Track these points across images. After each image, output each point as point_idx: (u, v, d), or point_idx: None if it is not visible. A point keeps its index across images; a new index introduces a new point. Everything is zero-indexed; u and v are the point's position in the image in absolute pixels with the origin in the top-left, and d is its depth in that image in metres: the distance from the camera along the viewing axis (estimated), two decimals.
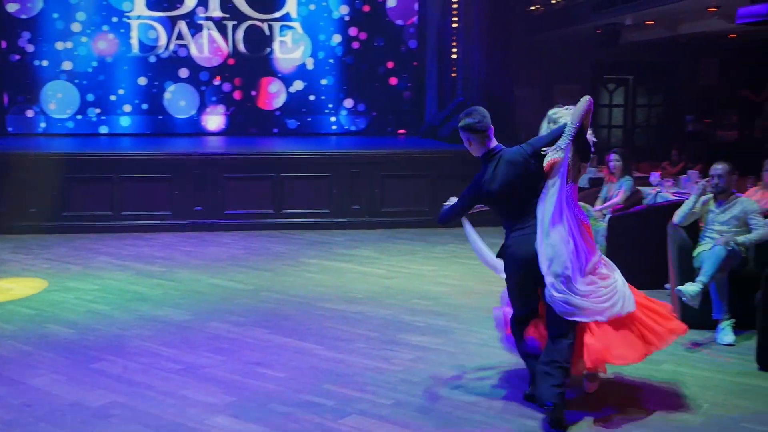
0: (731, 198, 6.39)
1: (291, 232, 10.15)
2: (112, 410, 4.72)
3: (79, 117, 13.49)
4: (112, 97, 13.54)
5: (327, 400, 4.87)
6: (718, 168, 6.38)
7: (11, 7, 13.10)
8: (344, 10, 13.87)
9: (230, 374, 5.30)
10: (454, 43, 13.26)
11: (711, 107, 13.93)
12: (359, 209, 10.49)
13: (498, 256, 4.74)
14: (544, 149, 4.36)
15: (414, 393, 4.95)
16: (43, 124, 13.36)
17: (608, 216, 7.82)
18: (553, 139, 4.39)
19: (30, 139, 12.69)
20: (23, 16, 13.16)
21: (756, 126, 12.55)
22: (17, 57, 13.22)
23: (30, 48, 13.24)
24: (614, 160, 8.56)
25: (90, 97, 13.47)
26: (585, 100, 4.38)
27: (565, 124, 4.36)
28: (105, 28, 13.35)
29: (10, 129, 13.16)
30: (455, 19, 13.24)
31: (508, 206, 4.58)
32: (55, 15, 13.25)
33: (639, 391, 5.07)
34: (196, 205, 10.26)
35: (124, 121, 13.65)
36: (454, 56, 13.33)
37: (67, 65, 13.32)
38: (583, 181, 10.00)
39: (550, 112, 4.79)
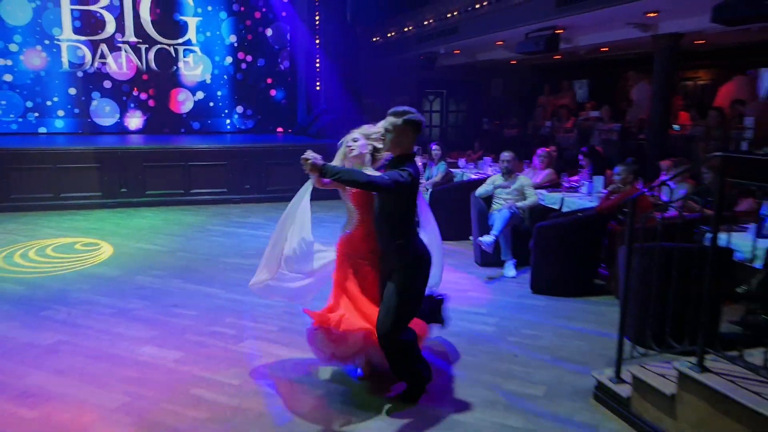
0: (513, 176, 6.91)
1: (198, 207, 10.03)
2: (59, 346, 4.64)
3: (20, 120, 12.55)
4: (48, 103, 12.70)
5: (229, 330, 4.97)
6: (506, 155, 6.89)
7: None
8: (233, 38, 13.65)
9: (154, 314, 5.30)
10: (318, 65, 13.36)
11: (498, 113, 14.69)
12: (250, 188, 10.50)
13: (414, 258, 3.63)
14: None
15: (294, 321, 5.11)
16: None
17: (431, 190, 8.22)
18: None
19: None
20: None
21: (528, 126, 13.37)
22: None
23: None
24: (435, 149, 8.99)
25: (29, 104, 12.57)
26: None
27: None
28: (38, 48, 12.43)
29: None
30: (317, 44, 13.36)
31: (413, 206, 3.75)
32: None
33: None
34: (122, 187, 9.90)
35: (59, 123, 12.85)
36: (317, 82, 13.44)
37: (8, 77, 12.34)
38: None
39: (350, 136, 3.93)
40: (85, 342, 4.68)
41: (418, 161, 10.25)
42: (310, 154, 3.46)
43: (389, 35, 13.62)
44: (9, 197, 9.44)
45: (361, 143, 3.85)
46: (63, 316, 5.21)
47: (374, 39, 14.19)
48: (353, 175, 3.38)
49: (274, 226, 4.12)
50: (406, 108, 3.55)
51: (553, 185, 7.63)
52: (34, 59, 12.46)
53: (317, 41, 13.41)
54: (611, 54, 11.75)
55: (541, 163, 7.94)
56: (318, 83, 13.48)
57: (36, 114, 12.66)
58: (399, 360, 3.71)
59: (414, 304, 3.66)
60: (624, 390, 3.67)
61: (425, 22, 11.90)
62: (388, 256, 3.69)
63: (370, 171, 3.80)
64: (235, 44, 13.66)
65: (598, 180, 7.05)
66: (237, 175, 10.40)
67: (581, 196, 6.96)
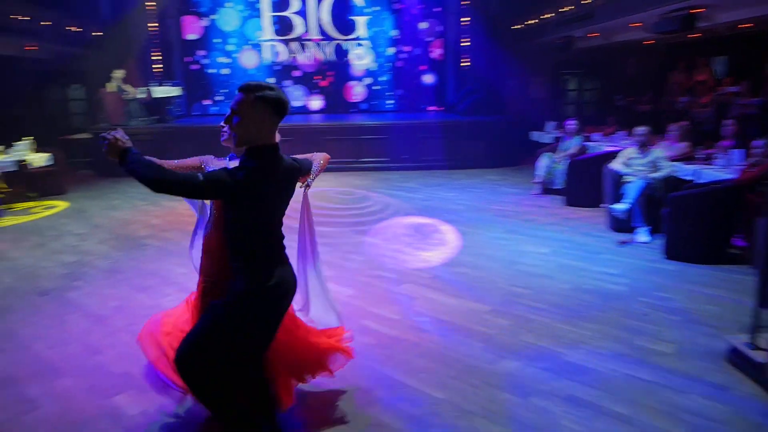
0: (648, 148, 6.29)
1: (366, 173, 10.27)
2: None
3: (229, 102, 13.60)
4: None
5: (390, 274, 5.06)
6: (642, 129, 6.31)
7: (189, 36, 13.18)
8: (395, 32, 13.63)
9: (333, 258, 5.46)
10: (465, 52, 13.01)
11: (632, 89, 13.39)
12: (407, 158, 10.52)
13: (246, 291, 2.28)
14: (308, 177, 2.71)
15: (446, 271, 5.08)
16: (216, 108, 13.56)
17: (568, 161, 7.74)
18: (306, 169, 2.65)
19: (201, 118, 12.93)
20: (195, 38, 13.25)
21: (662, 102, 12.04)
22: (196, 66, 13.35)
23: (204, 60, 13.34)
24: (572, 124, 8.44)
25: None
26: (327, 158, 2.87)
27: (309, 161, 2.72)
28: (247, 47, 13.34)
29: (193, 113, 13.40)
30: (465, 34, 13.00)
31: (275, 222, 2.38)
32: (216, 40, 13.30)
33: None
34: None
35: None
36: (465, 63, 13.09)
37: (225, 71, 13.41)
38: (549, 138, 9.87)
39: None
40: None
41: (553, 132, 8.59)
42: (119, 133, 2.17)
43: (528, 23, 12.84)
44: None
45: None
46: None
47: (514, 27, 13.47)
48: (147, 171, 2.05)
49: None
50: (261, 83, 2.25)
51: (688, 158, 6.82)
52: (245, 57, 13.39)
53: (465, 31, 13.05)
54: (755, 29, 10.12)
55: (676, 136, 7.12)
56: (466, 65, 13.18)
57: None
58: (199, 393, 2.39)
59: (229, 344, 2.32)
60: (760, 356, 3.22)
61: (563, 9, 11.04)
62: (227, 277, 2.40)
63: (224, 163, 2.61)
64: (397, 37, 13.67)
65: (738, 153, 6.17)
66: (396, 146, 10.50)
67: (717, 168, 6.15)
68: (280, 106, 2.26)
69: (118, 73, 10.87)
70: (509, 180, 9.45)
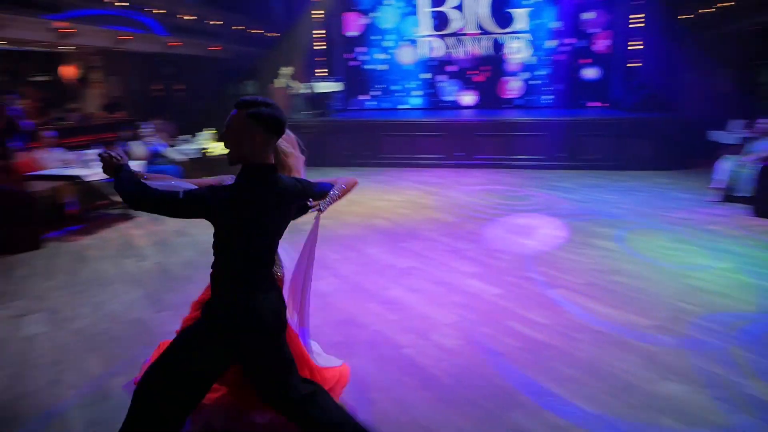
0: None
1: (517, 170, 10.00)
2: (412, 271, 5.09)
3: (388, 98, 14.11)
4: (407, 85, 13.97)
5: (540, 276, 4.87)
6: None
7: (349, 34, 13.88)
8: (557, 24, 13.02)
9: (478, 255, 5.46)
10: (637, 43, 11.99)
11: None
12: (563, 156, 10.03)
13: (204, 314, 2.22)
14: (311, 201, 2.49)
15: (601, 278, 4.82)
16: (373, 103, 14.16)
17: (759, 165, 6.82)
18: (319, 193, 2.49)
19: (359, 112, 13.53)
20: (355, 35, 13.91)
21: None
22: (355, 63, 14.03)
23: (363, 57, 13.99)
24: (765, 123, 7.42)
25: (394, 87, 14.00)
26: (352, 183, 2.70)
27: (330, 185, 2.58)
28: (404, 44, 13.70)
29: (351, 108, 14.12)
30: (634, 25, 11.97)
31: (256, 245, 2.20)
32: (374, 36, 13.84)
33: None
34: (457, 152, 10.42)
35: (415, 101, 14.04)
36: (635, 55, 12.07)
37: (382, 67, 13.91)
38: (733, 139, 8.73)
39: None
40: (429, 270, 5.10)
41: (741, 132, 7.36)
42: (115, 152, 2.22)
43: (709, 9, 11.43)
44: (379, 156, 10.76)
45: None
46: (416, 248, 5.74)
47: (694, 13, 12.08)
48: (130, 187, 2.07)
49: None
50: (259, 98, 2.16)
51: None
52: (402, 53, 13.78)
53: (633, 20, 12.01)
54: None
55: None
56: (635, 58, 12.15)
57: (398, 94, 14.10)
58: None
59: (171, 370, 2.14)
60: None
61: None
62: None
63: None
64: (559, 29, 13.06)
65: None
66: (551, 143, 10.06)
67: None
68: (273, 125, 2.14)
69: (286, 70, 11.84)
70: (681, 184, 8.57)
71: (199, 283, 4.83)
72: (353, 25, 13.90)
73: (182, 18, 11.59)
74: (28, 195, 6.14)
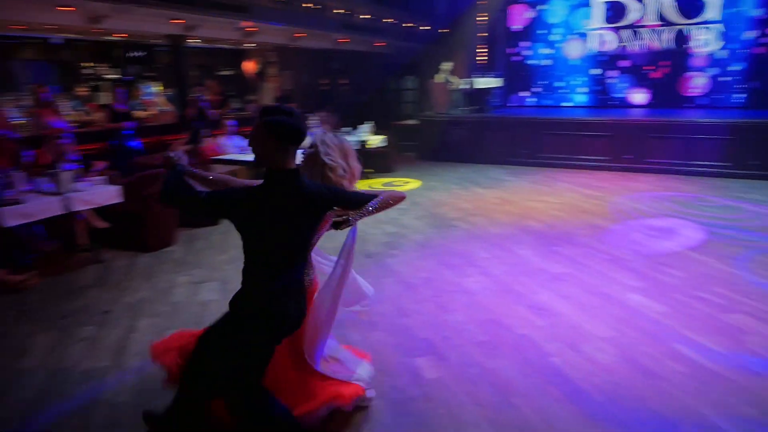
0: None
1: (694, 177, 9.01)
2: (563, 276, 4.85)
3: (548, 95, 13.57)
4: (573, 82, 13.30)
5: (717, 298, 4.37)
6: None
7: (514, 28, 13.56)
8: (759, 12, 11.38)
9: (643, 267, 5.04)
10: None
11: None
12: (756, 164, 8.78)
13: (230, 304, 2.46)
14: (337, 210, 2.48)
15: None
16: (533, 100, 13.75)
17: None
18: (352, 202, 2.47)
19: (518, 109, 13.18)
20: (520, 29, 13.54)
21: None
22: (518, 58, 13.70)
23: (526, 52, 13.61)
24: None
25: (557, 83, 13.41)
26: (397, 198, 2.57)
27: (371, 196, 2.49)
28: (572, 37, 13.05)
29: (510, 104, 13.83)
30: None
31: (272, 249, 2.31)
32: (540, 31, 13.36)
33: None
34: (625, 154, 9.68)
35: (580, 98, 13.33)
36: None
37: (547, 62, 13.41)
38: None
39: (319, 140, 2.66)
40: (583, 277, 4.82)
41: None
42: (177, 155, 2.42)
43: None
44: (536, 155, 10.39)
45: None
46: (568, 253, 5.46)
47: None
48: (168, 185, 2.30)
49: None
50: (282, 107, 2.26)
51: None
52: (570, 47, 13.15)
53: None
54: None
55: None
56: None
57: (562, 91, 13.47)
58: None
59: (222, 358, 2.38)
60: None
61: None
62: None
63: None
64: (761, 17, 11.41)
65: None
66: (742, 149, 8.87)
67: None
68: (286, 134, 2.21)
69: (447, 65, 11.94)
70: None
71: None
72: (518, 18, 13.58)
73: (357, 17, 12.25)
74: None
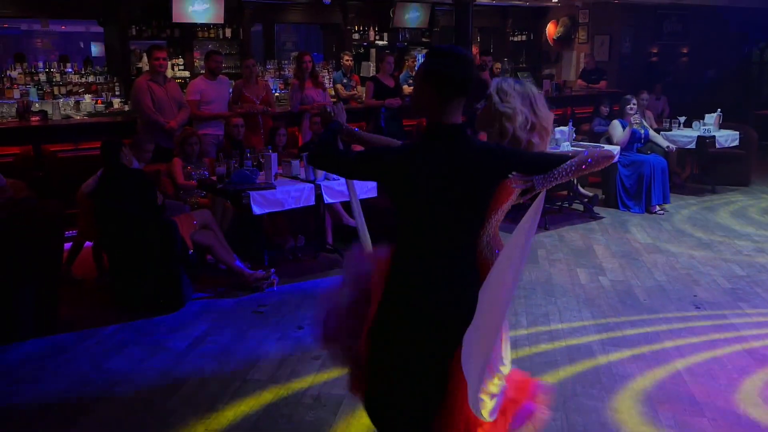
0: None
1: None
2: None
3: None
4: None
5: None
6: None
7: None
8: None
9: None
10: None
11: None
12: None
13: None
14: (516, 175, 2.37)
15: None
16: None
17: None
18: (535, 163, 2.41)
19: None
20: None
21: None
22: None
23: None
24: None
25: None
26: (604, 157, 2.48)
27: (566, 157, 2.40)
28: None
29: None
30: None
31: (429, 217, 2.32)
32: None
33: None
34: None
35: None
36: None
37: None
38: None
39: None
40: None
41: None
42: (336, 108, 2.89)
43: None
44: None
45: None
46: None
47: None
48: (319, 144, 2.63)
49: None
50: (444, 48, 2.38)
51: None
52: None
53: None
54: None
55: None
56: None
57: None
58: None
59: None
60: None
61: None
62: None
63: None
64: None
65: None
66: None
67: None
68: (441, 80, 2.29)
69: None
70: None
71: (663, 319, 4.77)
72: None
73: None
74: None
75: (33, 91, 9.26)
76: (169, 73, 8.78)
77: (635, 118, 7.92)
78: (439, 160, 2.30)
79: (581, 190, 8.05)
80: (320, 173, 5.71)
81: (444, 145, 2.32)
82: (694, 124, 9.15)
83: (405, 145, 2.51)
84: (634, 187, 8.04)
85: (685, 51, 14.51)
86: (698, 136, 8.81)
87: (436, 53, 2.39)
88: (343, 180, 5.77)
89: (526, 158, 2.49)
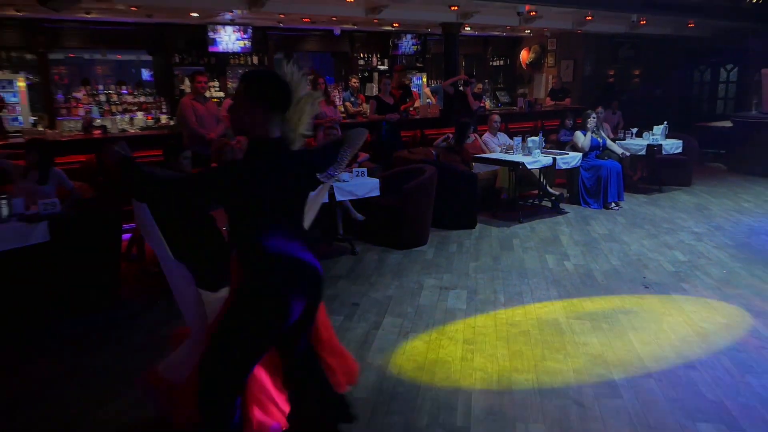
0: None
1: None
2: None
3: None
4: None
5: None
6: None
7: None
8: None
9: None
10: None
11: None
12: None
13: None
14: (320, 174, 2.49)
15: None
16: None
17: None
18: (323, 163, 2.50)
19: None
20: None
21: None
22: None
23: None
24: None
25: None
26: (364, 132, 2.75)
27: (339, 145, 2.58)
28: None
29: None
30: None
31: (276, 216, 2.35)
32: None
33: None
34: None
35: None
36: None
37: None
38: None
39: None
40: None
41: None
42: (119, 146, 2.35)
43: None
44: None
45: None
46: None
47: None
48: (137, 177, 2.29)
49: None
50: (263, 71, 2.40)
51: None
52: None
53: None
54: None
55: None
56: None
57: None
58: None
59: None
60: None
61: None
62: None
63: None
64: None
65: None
66: None
67: None
68: (267, 98, 2.25)
69: None
70: None
71: (618, 297, 4.79)
72: None
73: None
74: (473, 176, 7.21)
75: (95, 109, 9.38)
76: (207, 93, 8.83)
77: (595, 130, 8.03)
78: (267, 171, 2.26)
79: (549, 189, 8.08)
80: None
81: (272, 155, 2.29)
82: (645, 134, 9.16)
83: (239, 161, 2.37)
84: (594, 187, 8.09)
85: (637, 73, 14.49)
86: (648, 145, 8.82)
87: (254, 79, 2.31)
88: (352, 181, 5.86)
89: (319, 159, 2.51)
